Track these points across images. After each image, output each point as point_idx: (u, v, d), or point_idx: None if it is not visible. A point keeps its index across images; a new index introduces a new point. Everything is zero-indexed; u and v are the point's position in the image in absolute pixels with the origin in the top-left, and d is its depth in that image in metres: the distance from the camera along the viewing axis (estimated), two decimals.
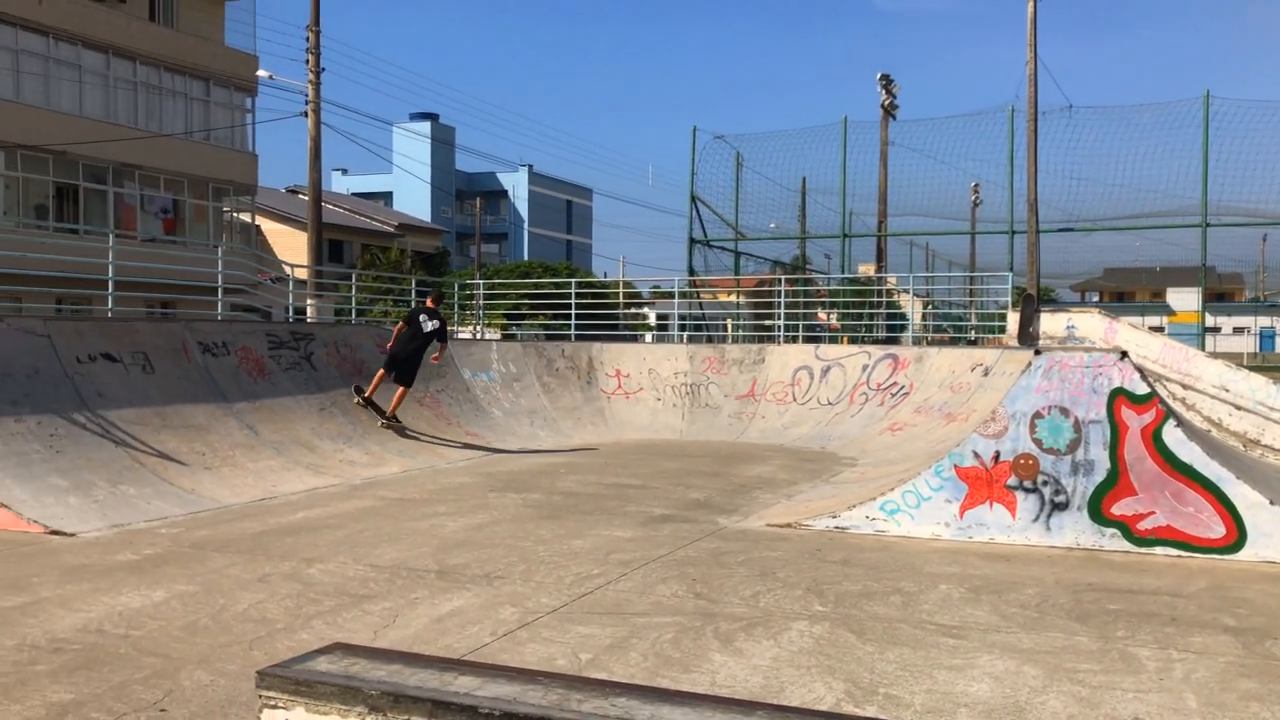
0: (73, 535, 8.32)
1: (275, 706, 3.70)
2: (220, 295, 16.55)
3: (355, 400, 13.94)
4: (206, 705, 4.59)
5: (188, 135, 32.78)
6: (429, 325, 14.17)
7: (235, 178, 34.48)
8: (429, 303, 14.70)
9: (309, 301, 23.84)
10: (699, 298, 29.17)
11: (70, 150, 28.76)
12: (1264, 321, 64.24)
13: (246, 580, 6.90)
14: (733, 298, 32.11)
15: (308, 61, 26.07)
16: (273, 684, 3.71)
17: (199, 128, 33.29)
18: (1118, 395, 8.15)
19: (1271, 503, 7.79)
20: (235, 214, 36.08)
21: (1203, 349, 18.45)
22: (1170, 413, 8.16)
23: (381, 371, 14.03)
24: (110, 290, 14.57)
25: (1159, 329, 33.47)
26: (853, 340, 23.56)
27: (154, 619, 5.96)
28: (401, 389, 13.98)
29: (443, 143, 69.53)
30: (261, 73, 32.04)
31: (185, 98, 32.96)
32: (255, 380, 13.08)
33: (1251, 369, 17.53)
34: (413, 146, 65.98)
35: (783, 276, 26.15)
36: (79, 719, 4.41)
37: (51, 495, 9.06)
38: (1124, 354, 8.39)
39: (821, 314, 29.97)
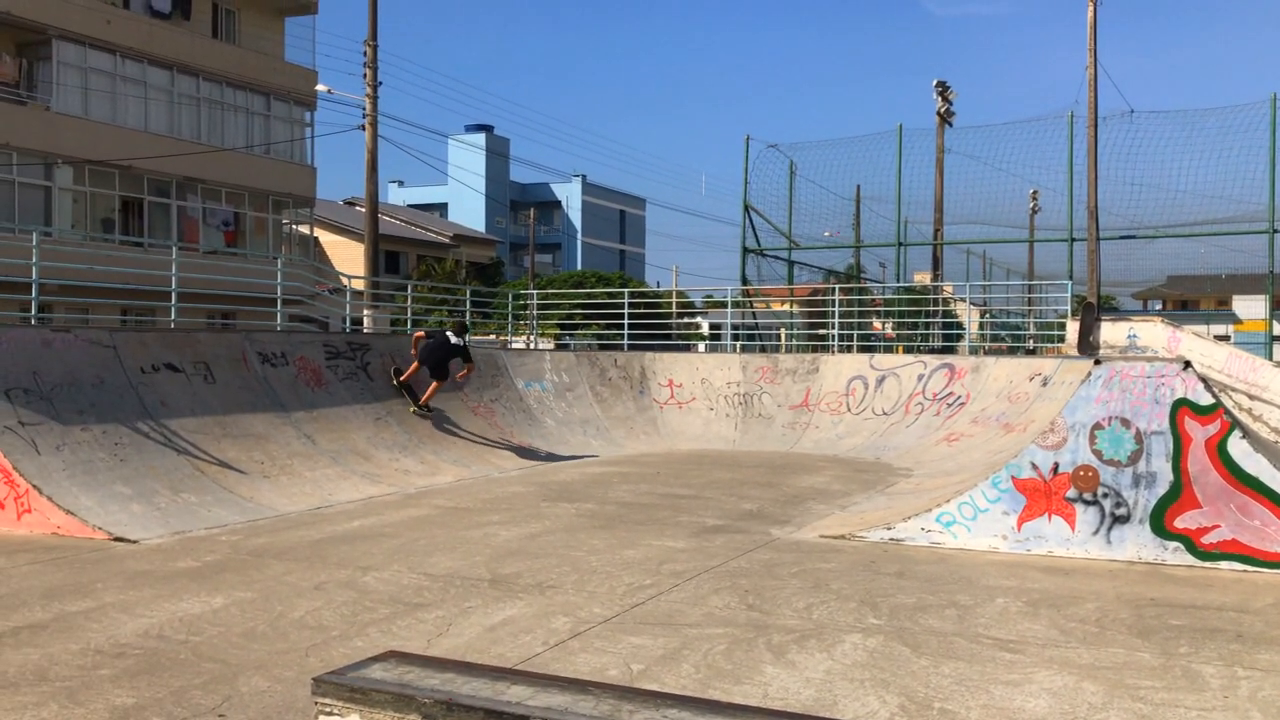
0: (136, 542, 8.51)
1: (331, 713, 3.75)
2: (279, 306, 16.84)
3: (393, 383, 14.52)
4: (264, 711, 4.66)
5: (249, 149, 33.46)
6: (454, 340, 14.82)
7: (294, 190, 35.10)
8: (451, 331, 15.12)
9: (365, 312, 24.16)
10: (752, 307, 29.08)
11: (135, 165, 29.49)
12: None
13: (303, 588, 7.00)
14: (786, 307, 31.96)
15: (365, 75, 26.47)
16: (328, 691, 3.76)
17: (259, 142, 33.96)
18: (1181, 406, 7.97)
19: None
20: (294, 226, 36.72)
21: (1270, 358, 17.97)
22: (1236, 423, 7.96)
23: (416, 364, 14.60)
24: (173, 301, 14.89)
25: (1224, 338, 32.69)
26: (908, 350, 23.33)
27: (213, 625, 6.07)
28: (435, 382, 14.45)
29: (497, 154, 70.18)
30: (320, 87, 32.60)
31: (246, 112, 33.65)
32: (313, 390, 13.29)
33: None
34: (468, 158, 66.72)
35: (837, 285, 25.96)
36: None
37: (116, 503, 9.27)
38: (1187, 364, 8.20)
39: (876, 323, 29.71)
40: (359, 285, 25.02)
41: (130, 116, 30.22)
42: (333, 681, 3.77)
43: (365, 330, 22.17)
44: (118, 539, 8.53)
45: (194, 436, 10.97)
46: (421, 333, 15.35)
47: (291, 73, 34.87)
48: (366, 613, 6.37)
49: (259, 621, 6.16)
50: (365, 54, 26.45)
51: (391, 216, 51.94)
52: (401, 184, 74.22)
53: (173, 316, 15.37)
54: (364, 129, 26.41)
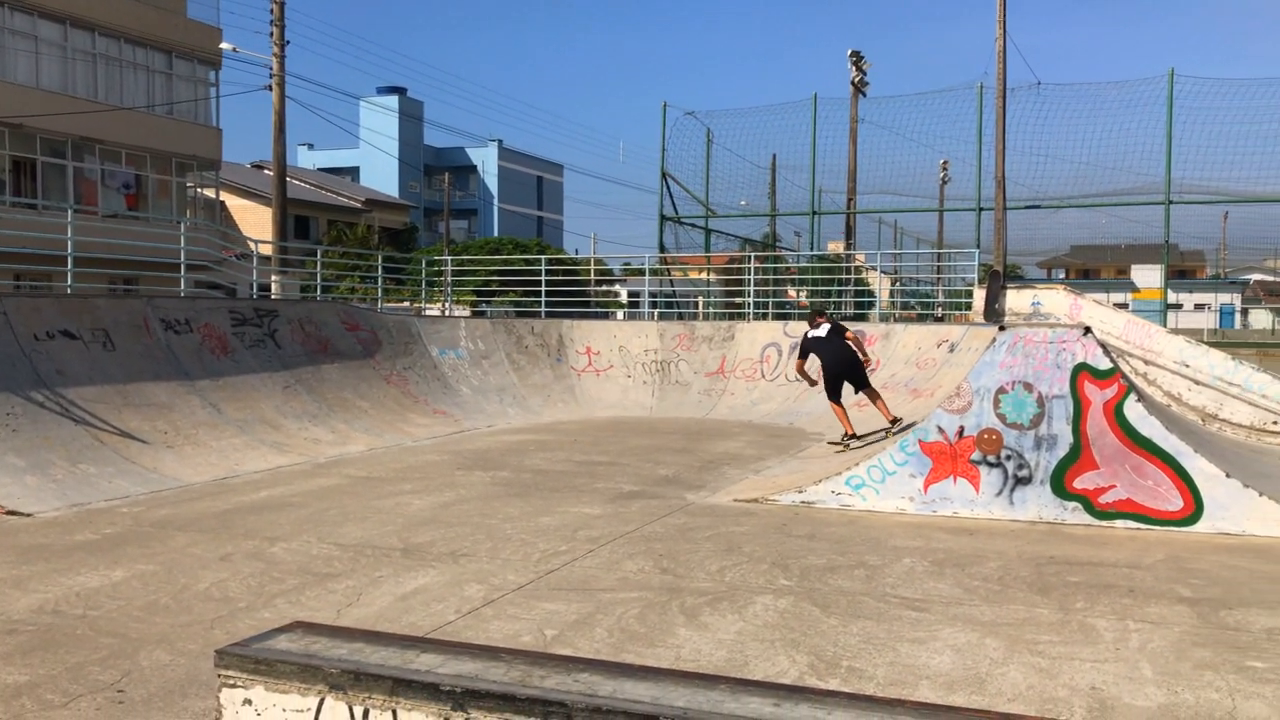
0: (30, 515, 8.21)
1: (234, 685, 3.66)
2: (183, 272, 16.31)
3: (845, 447, 11.94)
4: (165, 685, 4.55)
5: (149, 109, 32.22)
6: (834, 337, 12.35)
7: (199, 152, 33.95)
8: (816, 320, 12.68)
9: (274, 278, 23.59)
10: (670, 275, 29.14)
11: (27, 123, 28.18)
12: (1224, 298, 65.07)
13: (208, 559, 6.84)
14: (704, 275, 32.11)
15: (272, 34, 25.67)
16: (232, 663, 3.67)
17: (161, 101, 32.73)
18: (1081, 370, 8.22)
19: (1228, 475, 7.91)
20: (199, 189, 35.56)
21: (1164, 325, 18.67)
22: (1132, 388, 8.25)
23: (834, 407, 12.34)
24: (70, 266, 14.32)
25: (1123, 305, 33.83)
26: None
27: (113, 599, 5.89)
28: (878, 400, 12.26)
29: (411, 117, 68.80)
30: (225, 45, 31.51)
31: (147, 70, 32.37)
32: (218, 358, 12.93)
33: (1211, 345, 17.75)
34: (380, 121, 65.28)
35: (753, 254, 26.16)
36: (34, 700, 4.36)
37: (8, 474, 8.92)
38: (1087, 330, 8.46)
39: (791, 291, 30.04)
40: (267, 250, 24.41)
41: (20, 72, 28.84)
42: (236, 653, 3.68)
43: (273, 297, 21.64)
44: (10, 512, 8.22)
45: (93, 406, 10.60)
46: (800, 359, 12.74)
47: (194, 30, 33.60)
48: (274, 584, 6.25)
49: (161, 594, 5.99)
50: (272, 11, 25.64)
51: (301, 180, 50.66)
52: (311, 147, 72.33)
53: (69, 282, 14.79)
54: (271, 89, 25.64)
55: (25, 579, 6.30)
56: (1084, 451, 8.18)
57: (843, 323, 13.46)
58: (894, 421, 11.70)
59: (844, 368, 12.26)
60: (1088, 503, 8.16)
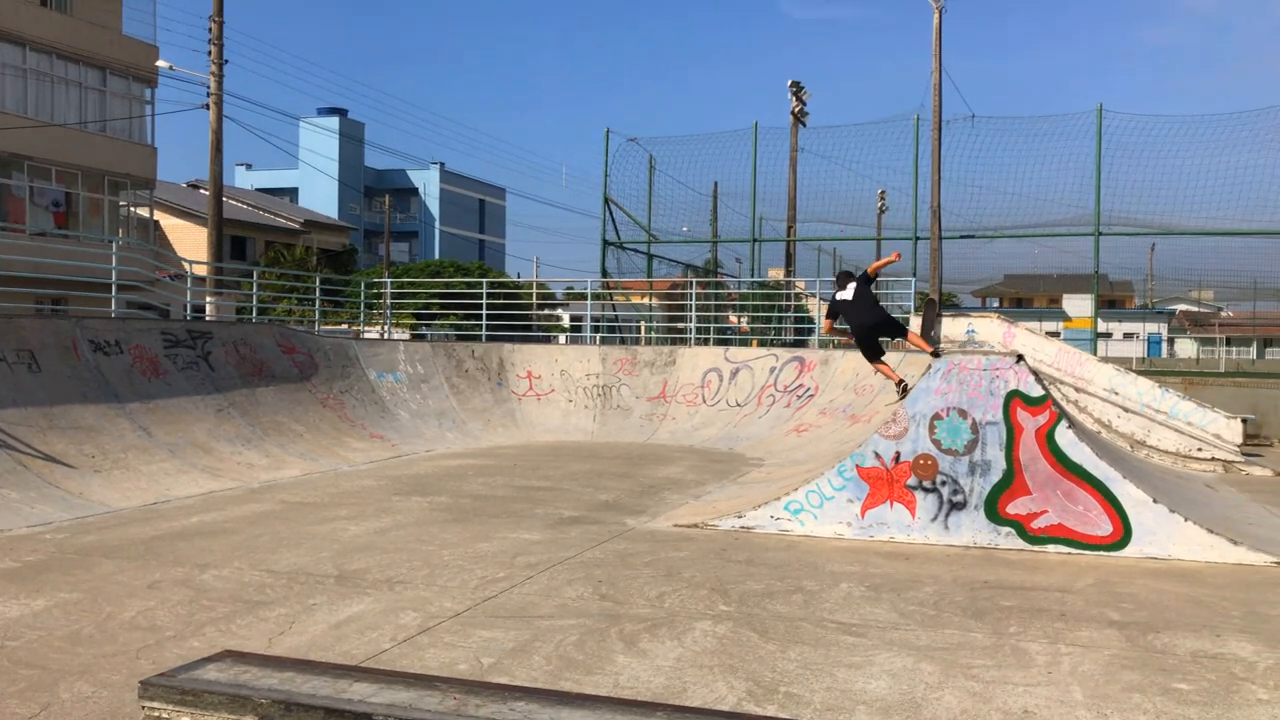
0: None
1: (160, 717, 3.57)
2: (114, 292, 15.96)
3: (903, 391, 10.75)
4: (86, 718, 4.40)
5: (82, 125, 31.57)
6: (850, 291, 11.60)
7: (133, 170, 33.31)
8: (844, 282, 11.78)
9: (208, 299, 23.16)
10: (612, 300, 29.18)
11: None
12: (1152, 328, 66.91)
13: (135, 587, 6.66)
14: (646, 300, 32.19)
15: (210, 53, 25.33)
16: (157, 694, 3.58)
17: (94, 118, 32.09)
18: (1014, 397, 8.38)
19: (1155, 501, 8.09)
20: (133, 208, 34.87)
21: (1095, 354, 19.11)
22: (1063, 414, 8.42)
23: (876, 365, 11.90)
24: None
25: (1055, 334, 34.58)
26: (762, 343, 23.83)
27: (33, 629, 5.70)
28: (910, 339, 11.84)
29: (351, 138, 68.28)
30: (161, 63, 30.97)
31: (80, 86, 31.74)
32: (149, 380, 12.65)
33: (1140, 373, 18.23)
34: (320, 142, 64.67)
35: (694, 280, 26.30)
36: None
37: None
38: (1020, 357, 8.63)
39: (732, 317, 30.24)
40: (202, 271, 23.99)
41: None
42: (161, 685, 3.59)
43: (208, 318, 21.25)
44: None
45: (15, 429, 10.29)
46: (826, 319, 12.38)
47: (130, 46, 33.05)
48: (204, 612, 6.10)
49: (85, 624, 5.82)
50: (210, 30, 25.32)
51: (238, 200, 49.93)
52: (250, 167, 71.36)
53: None
54: (208, 108, 25.29)
55: None
56: (1017, 477, 8.32)
57: (867, 271, 12.24)
58: (900, 384, 11.14)
59: (870, 327, 11.57)
60: (1020, 528, 8.30)
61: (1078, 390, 15.88)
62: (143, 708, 3.57)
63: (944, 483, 8.49)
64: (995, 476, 8.36)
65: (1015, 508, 8.32)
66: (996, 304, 68.30)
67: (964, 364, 8.63)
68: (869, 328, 11.69)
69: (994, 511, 8.36)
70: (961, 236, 25.81)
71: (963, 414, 8.46)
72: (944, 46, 25.42)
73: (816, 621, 6.10)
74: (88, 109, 31.99)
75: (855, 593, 6.82)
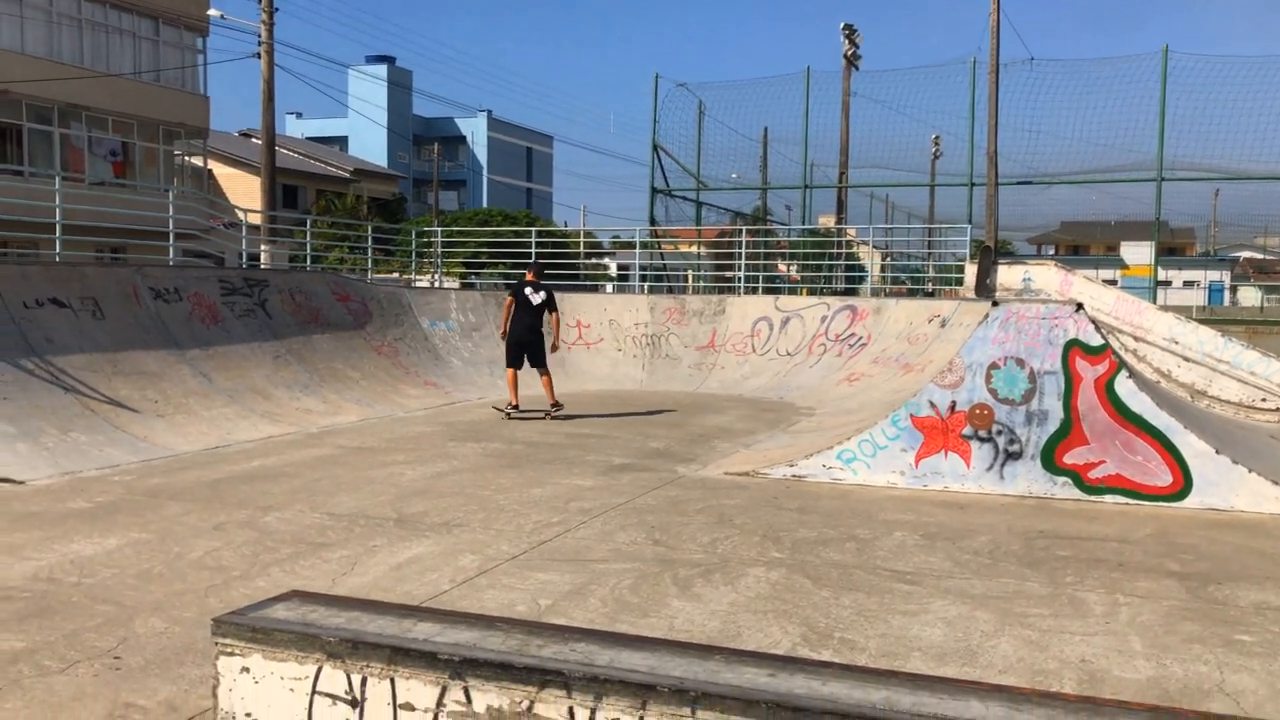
0: (22, 483, 8.19)
1: (232, 654, 3.67)
2: (172, 240, 16.21)
3: (506, 416, 12.61)
4: (161, 653, 4.56)
5: (136, 75, 31.88)
6: (536, 298, 12.79)
7: (186, 120, 33.66)
8: (529, 276, 13.09)
9: (263, 247, 23.45)
10: (660, 248, 29.08)
11: (12, 89, 27.87)
12: (1214, 275, 65.28)
13: (201, 528, 6.84)
14: (694, 248, 32.04)
15: (260, 1, 25.37)
16: (229, 631, 3.68)
17: (148, 68, 32.38)
18: (1072, 346, 8.25)
19: (1217, 452, 7.96)
20: (187, 157, 35.28)
21: (1154, 302, 18.73)
22: (1123, 364, 8.29)
23: (510, 371, 12.79)
24: (58, 234, 14.21)
25: (1113, 282, 33.93)
26: (812, 292, 23.66)
27: (107, 567, 5.89)
28: (545, 377, 12.85)
29: (400, 86, 68.25)
30: (213, 12, 31.14)
31: (134, 36, 32.01)
32: (208, 327, 12.88)
33: (1200, 322, 17.81)
34: (369, 90, 64.76)
35: (744, 227, 26.11)
36: (31, 666, 4.36)
37: None
38: (1079, 306, 8.48)
39: (781, 265, 30.02)
40: (255, 220, 24.25)
41: (5, 37, 28.49)
42: (233, 622, 3.69)
43: (263, 266, 21.53)
44: (2, 479, 8.19)
45: (83, 374, 10.55)
46: (510, 300, 12.96)
47: None
48: (268, 553, 6.26)
49: (155, 563, 6.00)
50: None
51: (290, 149, 50.26)
52: (300, 116, 71.72)
53: (58, 250, 14.68)
54: (259, 57, 25.39)
55: (20, 546, 6.30)
56: (1074, 427, 8.22)
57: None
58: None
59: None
60: (1077, 478, 8.22)
61: (1136, 339, 15.59)
62: (215, 644, 3.67)
63: (1000, 432, 8.42)
64: (1052, 426, 8.27)
65: (1072, 458, 8.23)
66: (1052, 251, 67.05)
67: (1022, 312, 8.50)
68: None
69: (1051, 461, 8.27)
70: (1018, 183, 25.32)
71: (1020, 363, 8.35)
72: None
73: (870, 569, 6.11)
74: (142, 59, 32.28)
75: (909, 541, 6.82)
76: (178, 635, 4.78)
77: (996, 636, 4.96)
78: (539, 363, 12.82)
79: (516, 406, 12.69)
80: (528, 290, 12.86)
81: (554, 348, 13.09)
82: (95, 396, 10.38)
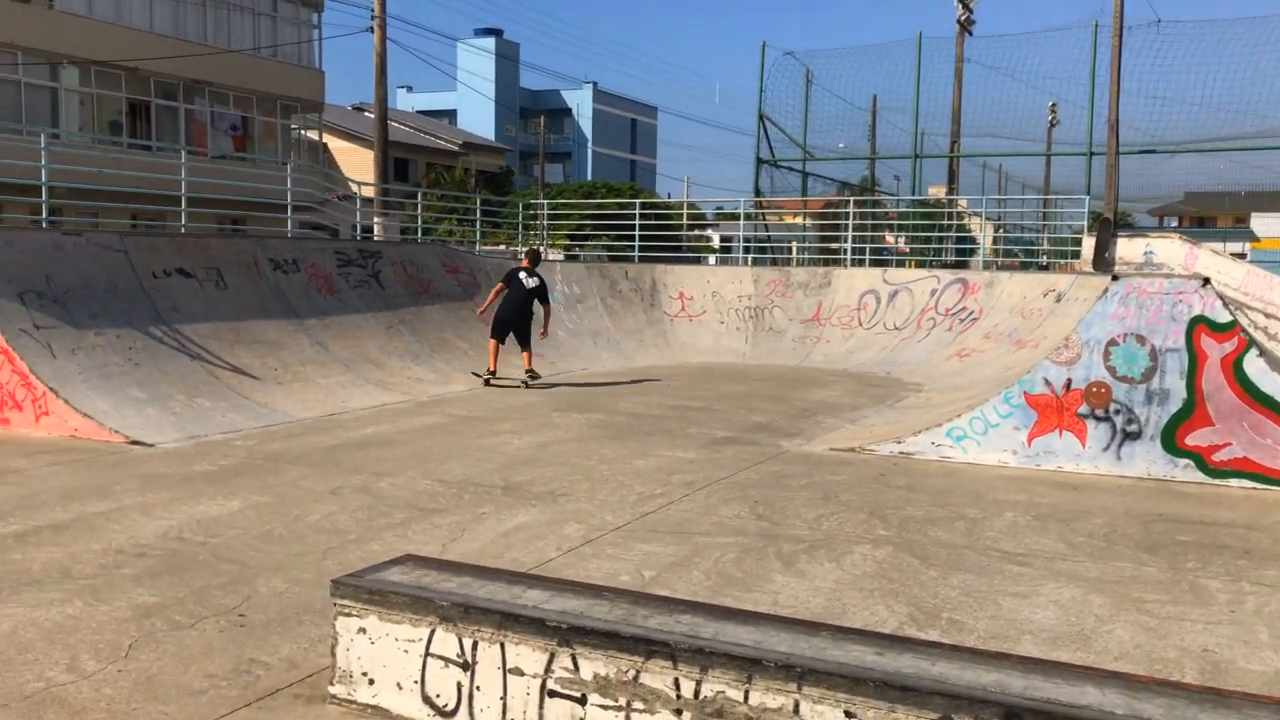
0: (152, 446, 8.60)
1: (349, 615, 3.80)
2: (289, 213, 16.73)
3: (485, 382, 12.94)
4: (282, 612, 4.75)
5: (255, 51, 32.88)
6: (530, 282, 13.10)
7: (302, 94, 34.59)
8: (524, 262, 13.54)
9: (376, 220, 24.01)
10: (765, 219, 28.80)
11: (142, 66, 29.04)
12: None
13: (319, 492, 7.08)
14: (799, 219, 31.65)
15: None
16: (347, 593, 3.81)
17: (267, 44, 33.36)
18: (1198, 323, 7.91)
19: None
20: (303, 131, 36.28)
21: None
22: (1252, 342, 7.91)
23: (493, 341, 13.02)
24: (183, 207, 14.79)
25: (1241, 255, 32.37)
26: (921, 264, 23.15)
27: (231, 528, 6.16)
28: (526, 353, 13.07)
29: (507, 59, 68.87)
30: None
31: (253, 13, 32.98)
32: (325, 297, 13.28)
33: None
34: (477, 63, 65.50)
35: (851, 198, 25.66)
36: (163, 621, 4.60)
37: (131, 406, 9.34)
38: (1206, 280, 8.12)
39: (889, 237, 29.44)
40: (369, 193, 24.82)
41: (135, 16, 29.66)
42: (351, 584, 3.83)
43: (376, 238, 22.06)
44: (134, 442, 8.62)
45: (207, 342, 11.00)
46: (500, 285, 13.30)
47: None
48: (381, 517, 6.45)
49: (276, 524, 6.24)
50: None
51: (400, 123, 51.23)
52: (410, 89, 73.00)
53: (183, 222, 15.29)
54: (372, 31, 25.89)
55: (151, 506, 6.62)
56: (1198, 407, 7.90)
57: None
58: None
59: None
60: (1201, 460, 7.90)
61: (1267, 316, 14.88)
62: (334, 604, 3.81)
63: (1118, 411, 8.14)
64: (1174, 406, 7.95)
65: (1195, 439, 7.91)
66: (1175, 223, 64.20)
67: (1143, 287, 8.18)
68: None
69: (1171, 442, 7.97)
70: (1141, 151, 24.27)
71: (1141, 340, 8.05)
72: None
73: (980, 549, 6.00)
74: (261, 35, 33.26)
75: (1020, 521, 6.66)
76: (297, 595, 4.98)
77: (1112, 622, 4.82)
78: (524, 342, 13.09)
79: (494, 373, 13.01)
80: (521, 275, 13.17)
81: (543, 334, 13.39)
82: (219, 364, 10.81)
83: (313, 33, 35.15)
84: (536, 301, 13.11)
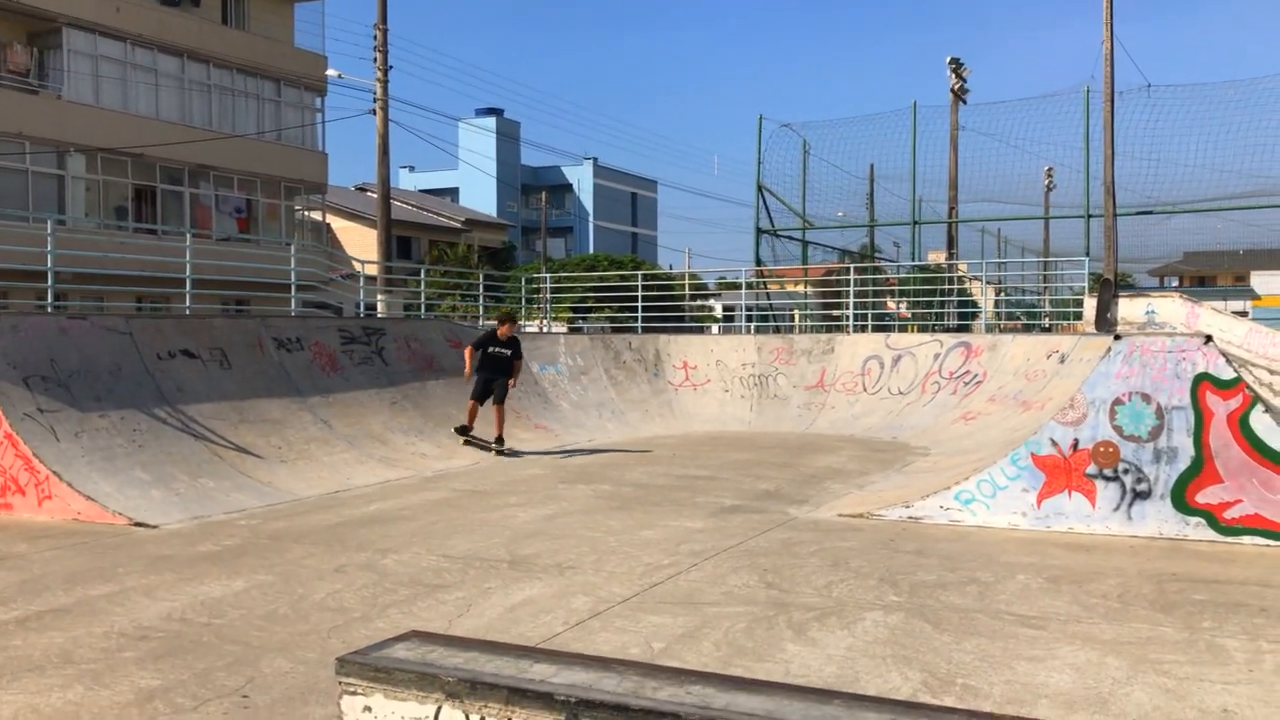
0: (156, 527, 8.55)
1: (355, 693, 3.75)
2: (293, 292, 16.87)
3: (462, 441, 13.33)
4: (287, 692, 4.68)
5: (259, 135, 33.47)
6: (505, 352, 13.42)
7: (306, 176, 35.13)
8: (501, 332, 13.50)
9: (379, 297, 24.20)
10: (766, 288, 28.99)
11: (148, 153, 29.55)
12: None
13: (323, 570, 7.02)
14: (800, 288, 31.86)
15: (375, 60, 26.41)
16: (352, 671, 3.76)
17: (270, 128, 33.96)
18: (1202, 380, 7.90)
19: None
20: (306, 212, 36.76)
21: None
22: (1258, 398, 7.90)
23: (472, 404, 13.34)
24: (188, 289, 14.93)
25: (1243, 313, 32.46)
26: (923, 329, 23.23)
27: (235, 608, 6.09)
28: (498, 409, 13.33)
29: (508, 137, 70.03)
30: (331, 72, 32.60)
31: (257, 99, 33.66)
32: (328, 375, 13.31)
33: None
34: (478, 142, 66.61)
35: (851, 265, 25.85)
36: (166, 704, 4.53)
37: (135, 488, 9.32)
38: (1208, 338, 8.13)
39: (891, 303, 29.58)
40: (372, 270, 25.05)
41: (141, 104, 30.27)
42: (356, 661, 3.77)
43: (379, 315, 22.21)
44: (138, 524, 8.57)
45: (211, 422, 11.00)
46: (471, 348, 13.44)
47: (301, 58, 34.84)
48: (387, 594, 6.39)
49: (280, 604, 6.18)
50: (375, 38, 26.39)
51: (403, 201, 51.92)
52: (413, 169, 74.17)
53: (188, 303, 15.42)
54: (375, 113, 26.37)
55: (154, 588, 6.56)
56: (1207, 465, 7.85)
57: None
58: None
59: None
60: (1212, 518, 7.83)
61: (1272, 373, 14.87)
62: (339, 683, 3.75)
63: (1126, 471, 8.09)
64: (1183, 464, 7.91)
65: (1205, 497, 7.85)
66: (1176, 283, 64.50)
67: (1146, 346, 8.19)
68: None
69: (1182, 501, 7.91)
70: (1137, 213, 24.49)
71: (1146, 398, 8.04)
72: (1115, 12, 24.14)
73: (992, 613, 5.92)
74: (265, 119, 33.88)
75: (1033, 584, 6.58)
76: (302, 675, 4.91)
77: (1129, 684, 4.74)
78: (499, 399, 13.42)
79: (470, 429, 13.44)
80: (493, 349, 13.45)
81: (511, 384, 13.64)
82: (223, 443, 10.80)
83: (316, 116, 35.80)
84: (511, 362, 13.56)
